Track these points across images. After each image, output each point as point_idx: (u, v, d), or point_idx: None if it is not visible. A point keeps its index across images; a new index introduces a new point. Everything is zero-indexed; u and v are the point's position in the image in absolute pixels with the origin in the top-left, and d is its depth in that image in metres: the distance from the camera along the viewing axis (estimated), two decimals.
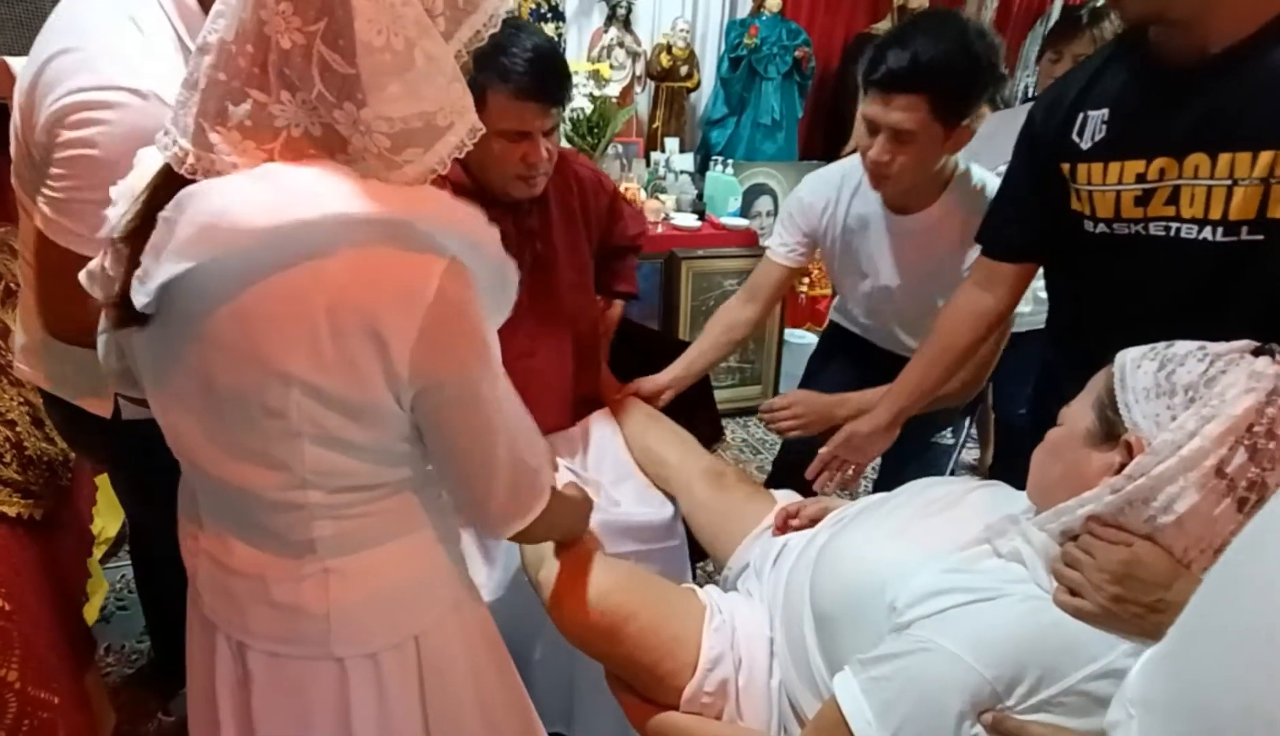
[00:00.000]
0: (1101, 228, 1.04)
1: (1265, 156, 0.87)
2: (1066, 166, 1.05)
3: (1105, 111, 1.00)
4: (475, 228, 0.67)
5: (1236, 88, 0.89)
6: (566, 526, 1.00)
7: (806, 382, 1.87)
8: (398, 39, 0.58)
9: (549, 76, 1.21)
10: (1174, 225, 0.97)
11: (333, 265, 0.62)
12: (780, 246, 1.61)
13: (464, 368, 0.68)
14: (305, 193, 0.59)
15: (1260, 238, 0.91)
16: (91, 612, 1.28)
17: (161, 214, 0.60)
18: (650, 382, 1.61)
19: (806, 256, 1.61)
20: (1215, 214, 0.92)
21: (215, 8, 0.60)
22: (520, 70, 1.17)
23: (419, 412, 0.70)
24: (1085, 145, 1.02)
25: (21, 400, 1.17)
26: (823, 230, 1.55)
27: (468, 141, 0.65)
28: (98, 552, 1.42)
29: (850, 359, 1.72)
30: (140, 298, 0.61)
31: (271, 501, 0.70)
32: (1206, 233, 0.94)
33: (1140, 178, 0.97)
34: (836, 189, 1.52)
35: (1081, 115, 1.03)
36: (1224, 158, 0.90)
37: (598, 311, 1.56)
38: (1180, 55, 0.93)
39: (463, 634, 0.85)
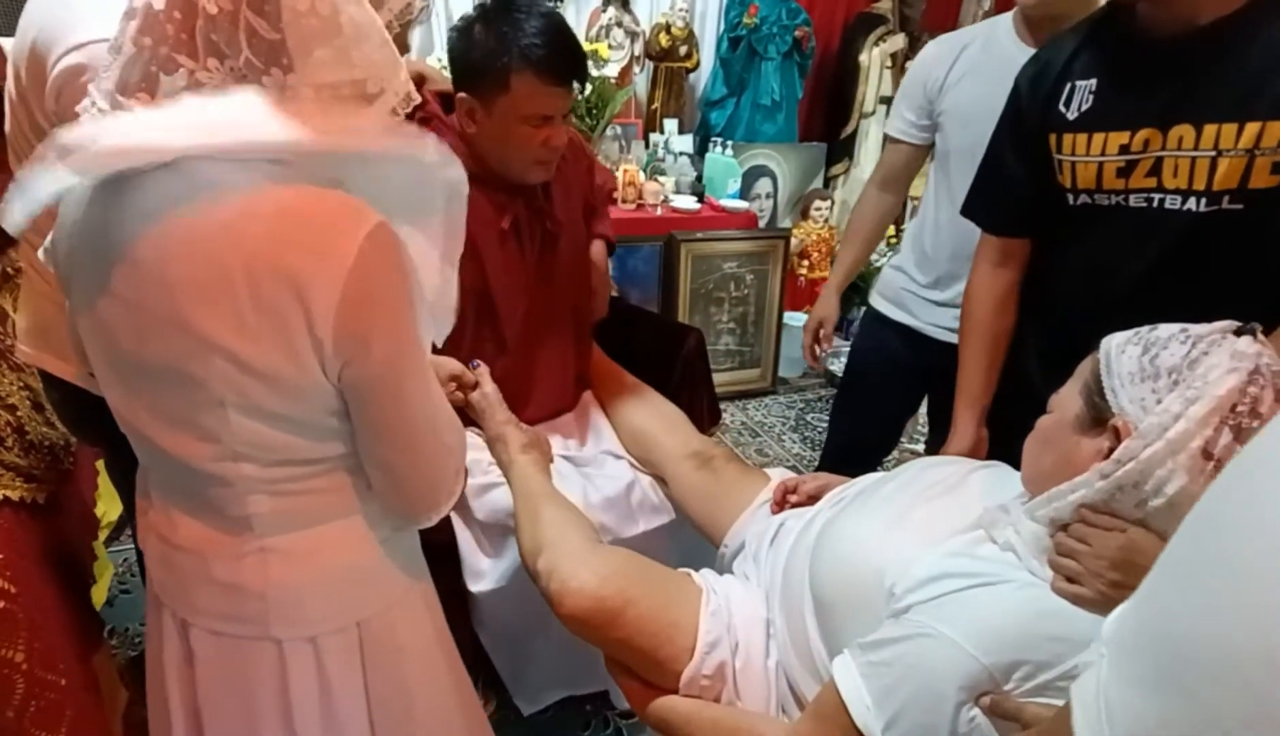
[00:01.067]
0: (1083, 199, 1.05)
1: (1251, 127, 0.88)
2: (1053, 137, 1.05)
3: (1094, 81, 1.00)
4: (412, 144, 0.66)
5: (1224, 60, 0.89)
6: None
7: (853, 407, 1.82)
8: (323, 4, 0.59)
9: (573, 58, 1.20)
10: (1155, 196, 0.97)
11: (248, 219, 0.61)
12: (899, 122, 1.54)
13: (389, 338, 0.67)
14: (226, 123, 0.59)
15: (1240, 207, 0.92)
16: (99, 595, 1.29)
17: (62, 136, 0.58)
18: (814, 319, 1.74)
19: (929, 131, 1.51)
20: (1199, 184, 0.93)
21: None
22: (546, 54, 1.16)
23: (345, 384, 0.68)
24: (1071, 115, 1.02)
25: (22, 385, 1.17)
26: (942, 89, 1.44)
27: (400, 109, 0.66)
28: (100, 536, 1.42)
29: (903, 376, 1.65)
30: (15, 213, 0.59)
31: (207, 474, 0.71)
32: (1190, 203, 0.95)
33: (1124, 148, 0.97)
34: (964, 40, 1.43)
35: (1069, 85, 1.03)
36: (1209, 129, 0.90)
37: (590, 285, 1.56)
38: (1168, 27, 0.93)
39: (411, 623, 0.85)
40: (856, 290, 3.63)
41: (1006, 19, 1.39)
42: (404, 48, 0.74)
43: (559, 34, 1.17)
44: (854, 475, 1.09)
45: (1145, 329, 0.77)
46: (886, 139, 1.61)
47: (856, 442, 1.82)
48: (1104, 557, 0.71)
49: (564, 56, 1.18)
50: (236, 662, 0.78)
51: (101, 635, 1.23)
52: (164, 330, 0.64)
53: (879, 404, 1.75)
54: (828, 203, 3.51)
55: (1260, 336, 0.72)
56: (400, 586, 0.83)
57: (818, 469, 1.94)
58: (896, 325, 1.63)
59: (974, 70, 1.40)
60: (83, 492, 1.34)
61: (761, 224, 3.27)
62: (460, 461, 0.81)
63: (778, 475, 1.25)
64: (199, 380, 0.65)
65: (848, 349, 3.29)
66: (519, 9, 1.17)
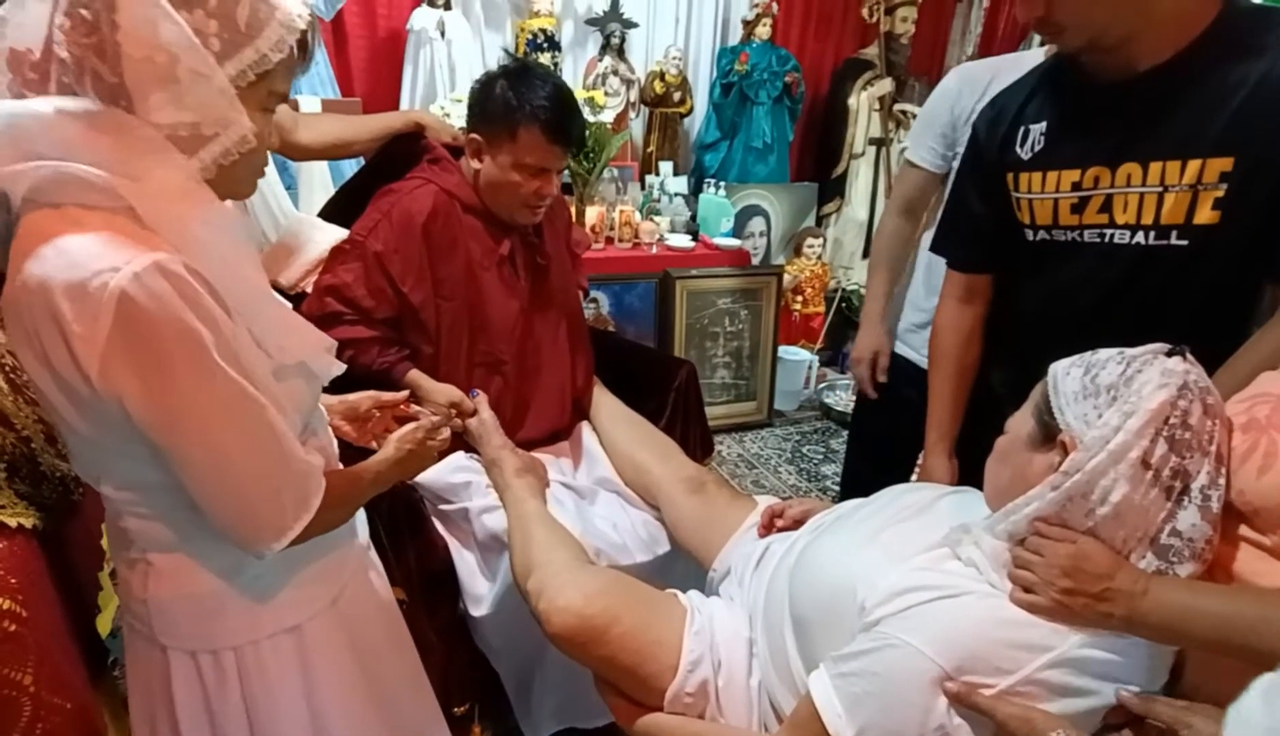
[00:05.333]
0: (1041, 235, 1.10)
1: (1193, 164, 0.93)
2: (1011, 176, 1.10)
3: (1044, 124, 1.06)
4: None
5: (1165, 102, 0.95)
6: (358, 494, 0.91)
7: (863, 436, 1.85)
8: (160, 53, 0.64)
9: (574, 125, 1.39)
10: (1107, 231, 1.02)
11: (30, 258, 0.62)
12: (923, 149, 1.54)
13: (163, 380, 0.65)
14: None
15: (1185, 243, 0.96)
16: (104, 625, 1.32)
17: None
18: (868, 351, 1.65)
19: (950, 159, 1.50)
20: (1147, 219, 0.98)
21: (5, 11, 0.65)
22: (551, 116, 1.34)
23: (131, 419, 0.66)
24: (1026, 156, 1.08)
25: (37, 418, 1.22)
26: (968, 119, 1.42)
27: (234, 151, 0.69)
28: (107, 567, 1.45)
29: (904, 408, 1.60)
30: None
31: (97, 490, 0.77)
32: (1139, 237, 0.99)
33: (1076, 186, 1.03)
34: (991, 72, 1.42)
35: (1023, 128, 1.09)
36: (1155, 166, 0.95)
37: (582, 312, 1.71)
38: (1110, 74, 0.99)
39: (297, 658, 0.86)
40: (853, 325, 3.70)
41: (1035, 55, 1.41)
42: (283, 97, 0.75)
43: (565, 103, 1.36)
44: (868, 484, 1.12)
45: (1088, 353, 0.83)
46: (907, 163, 1.60)
47: (869, 470, 1.85)
48: (1056, 566, 0.75)
49: (566, 121, 1.36)
50: (141, 657, 0.84)
51: (106, 663, 1.26)
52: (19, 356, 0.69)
53: (885, 433, 1.77)
54: (820, 240, 3.59)
55: (1189, 357, 0.77)
56: (269, 624, 0.83)
57: (840, 495, 1.99)
58: (897, 357, 1.67)
59: None
60: (90, 524, 1.37)
61: (755, 261, 3.35)
62: (290, 498, 0.75)
63: (765, 501, 1.29)
64: (46, 405, 0.69)
65: (843, 383, 3.35)
66: (536, 76, 1.37)
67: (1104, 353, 0.81)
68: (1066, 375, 0.82)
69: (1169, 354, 0.77)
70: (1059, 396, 0.81)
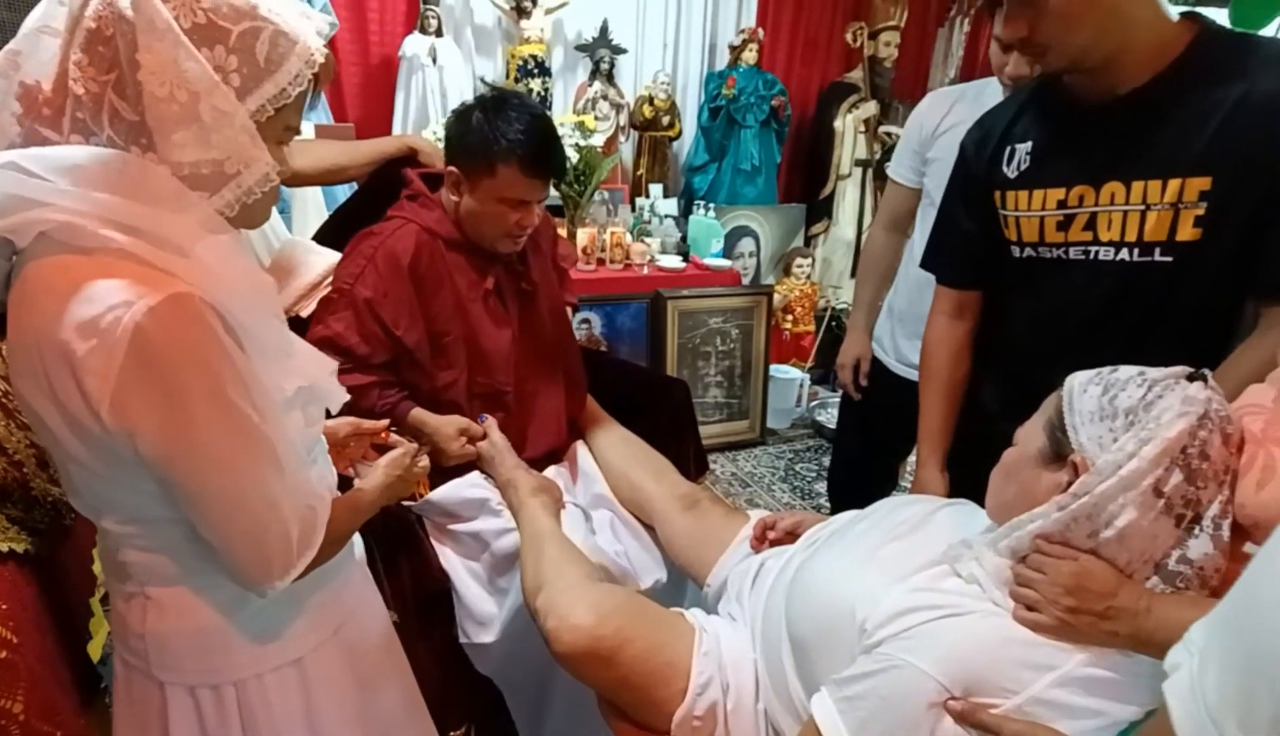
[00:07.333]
0: (1028, 252, 1.12)
1: (1173, 183, 0.95)
2: (998, 194, 1.13)
3: (1030, 144, 1.09)
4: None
5: (1145, 123, 0.97)
6: (356, 523, 0.92)
7: (846, 446, 1.98)
8: (181, 91, 0.63)
9: (554, 156, 1.38)
10: (1092, 249, 1.04)
11: (43, 294, 0.62)
12: (898, 165, 1.70)
13: (177, 415, 0.64)
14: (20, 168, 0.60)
15: (1170, 259, 0.98)
16: (95, 651, 1.30)
17: None
18: (850, 357, 1.82)
19: (922, 175, 1.65)
20: (1130, 236, 1.00)
21: (14, 47, 0.65)
22: (529, 151, 1.32)
23: (140, 456, 0.66)
24: (1012, 174, 1.10)
25: (29, 443, 1.21)
26: (933, 136, 1.59)
27: (256, 189, 0.69)
28: (99, 593, 1.44)
29: (884, 412, 1.75)
30: None
31: (94, 524, 0.76)
32: (1123, 254, 1.01)
33: (1061, 204, 1.05)
34: (956, 95, 1.59)
35: (1009, 147, 1.11)
36: (1137, 185, 0.98)
37: (572, 331, 1.70)
38: (1093, 96, 1.02)
39: (300, 690, 0.85)
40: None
41: (995, 84, 1.51)
42: (296, 130, 0.76)
43: (543, 136, 1.35)
44: (856, 492, 1.13)
45: (1107, 369, 0.81)
46: (890, 181, 1.76)
47: (856, 479, 1.91)
48: (1059, 585, 0.74)
49: (544, 155, 1.35)
50: (134, 693, 0.82)
51: (97, 690, 1.24)
52: (16, 392, 0.69)
53: (867, 441, 1.85)
54: (809, 260, 3.63)
55: (1210, 382, 0.76)
56: (274, 657, 0.83)
57: (833, 508, 2.02)
58: (877, 362, 1.74)
59: (961, 122, 1.48)
60: (82, 549, 1.36)
61: (745, 281, 3.38)
62: (297, 535, 0.75)
63: (757, 515, 1.28)
64: (49, 440, 0.68)
65: (835, 400, 3.37)
66: (513, 107, 1.34)
67: (1124, 372, 0.79)
68: (1084, 393, 0.80)
69: (1191, 378, 0.76)
70: (1074, 414, 0.79)
